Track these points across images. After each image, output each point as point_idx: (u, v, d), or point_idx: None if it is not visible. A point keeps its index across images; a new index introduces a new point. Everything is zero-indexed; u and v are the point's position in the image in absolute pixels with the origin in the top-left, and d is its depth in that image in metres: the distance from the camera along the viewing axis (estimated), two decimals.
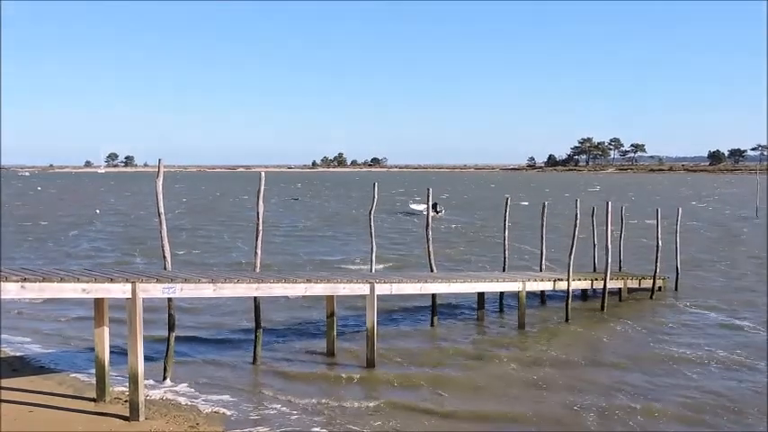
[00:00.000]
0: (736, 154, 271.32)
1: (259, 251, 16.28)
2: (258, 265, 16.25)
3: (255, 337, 15.53)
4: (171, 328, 14.36)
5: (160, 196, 14.73)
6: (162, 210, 14.77)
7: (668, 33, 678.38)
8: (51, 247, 36.60)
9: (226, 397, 13.14)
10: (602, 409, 12.87)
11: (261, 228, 16.34)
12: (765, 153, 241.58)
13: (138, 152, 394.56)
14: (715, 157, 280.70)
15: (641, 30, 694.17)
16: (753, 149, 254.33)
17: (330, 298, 16.31)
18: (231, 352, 16.47)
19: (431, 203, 21.05)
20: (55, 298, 13.07)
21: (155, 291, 12.37)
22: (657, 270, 24.16)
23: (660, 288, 24.41)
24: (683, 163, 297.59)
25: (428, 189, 21.47)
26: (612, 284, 22.46)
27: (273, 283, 14.84)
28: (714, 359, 16.30)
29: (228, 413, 12.37)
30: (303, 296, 16.21)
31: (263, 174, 16.60)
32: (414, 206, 61.37)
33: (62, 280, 11.36)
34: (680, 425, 12.15)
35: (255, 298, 15.31)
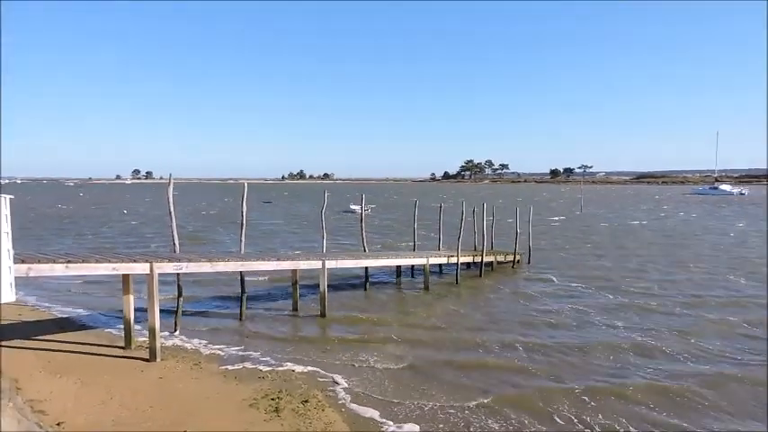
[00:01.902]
0: (568, 171, 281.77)
1: (243, 238, 15.96)
2: (242, 248, 15.91)
3: (241, 300, 15.24)
4: (179, 294, 14.02)
5: (171, 200, 14.28)
6: (172, 209, 14.32)
7: (519, 89, 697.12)
8: (90, 238, 34.87)
9: (220, 343, 12.86)
10: (484, 331, 13.33)
11: (245, 222, 16.02)
12: (586, 171, 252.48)
13: (155, 167, 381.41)
14: (554, 172, 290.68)
15: (501, 87, 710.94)
16: (578, 168, 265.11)
17: (294, 271, 16.14)
18: (224, 311, 16.09)
19: (364, 205, 20.99)
20: (92, 275, 12.45)
21: (167, 268, 12.01)
22: (516, 248, 24.85)
23: (519, 261, 25.03)
24: (534, 176, 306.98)
25: (362, 195, 21.45)
26: (487, 258, 22.92)
27: (254, 261, 14.63)
28: (551, 302, 17.00)
29: (222, 354, 12.12)
30: (275, 270, 15.94)
31: (245, 184, 16.31)
32: (353, 206, 61.84)
33: (97, 261, 10.90)
34: (525, 328, 12.61)
35: (241, 272, 15.05)
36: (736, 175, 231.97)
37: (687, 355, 12.29)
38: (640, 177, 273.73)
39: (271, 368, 11.16)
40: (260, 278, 20.41)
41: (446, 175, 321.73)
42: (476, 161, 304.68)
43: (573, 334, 13.98)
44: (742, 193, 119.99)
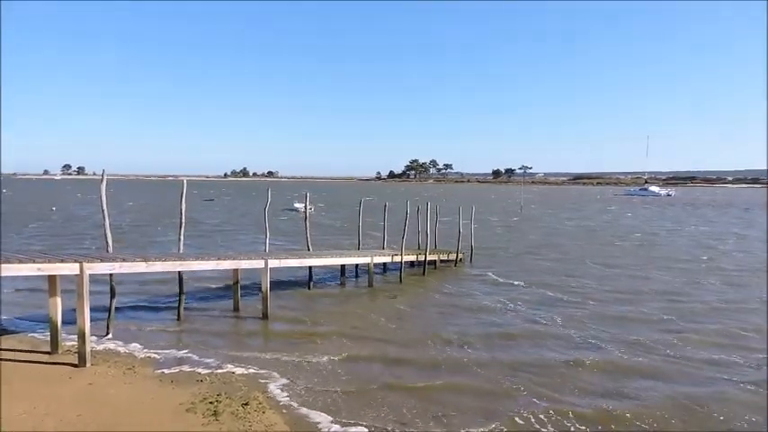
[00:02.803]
0: (509, 171, 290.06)
1: (182, 237, 15.43)
2: (181, 248, 15.39)
3: (179, 301, 14.77)
4: (112, 295, 13.38)
5: (104, 197, 13.59)
6: (105, 207, 13.62)
7: (463, 91, 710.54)
8: (14, 238, 32.72)
9: (156, 346, 12.39)
10: (426, 327, 13.51)
11: (183, 220, 15.50)
12: (526, 172, 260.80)
13: (88, 163, 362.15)
14: (496, 173, 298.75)
15: (446, 88, 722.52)
16: (519, 169, 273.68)
17: (235, 271, 15.78)
18: (161, 313, 15.50)
19: (308, 203, 20.80)
20: (14, 276, 11.68)
21: (99, 268, 11.45)
22: (459, 248, 25.33)
23: (461, 260, 25.51)
24: (477, 177, 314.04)
25: (306, 193, 21.23)
26: (430, 257, 23.23)
27: (193, 260, 14.17)
28: (488, 300, 17.45)
29: (158, 357, 11.68)
30: (215, 270, 15.50)
31: (185, 181, 15.76)
32: (297, 205, 60.96)
33: (20, 261, 10.26)
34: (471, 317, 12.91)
35: (179, 272, 14.55)
36: (663, 177, 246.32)
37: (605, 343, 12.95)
38: (577, 178, 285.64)
39: (210, 371, 10.87)
40: (199, 278, 19.81)
41: (391, 175, 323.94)
42: (421, 161, 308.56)
43: (513, 327, 14.41)
44: (669, 195, 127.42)
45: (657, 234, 41.77)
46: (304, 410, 9.13)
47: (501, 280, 21.59)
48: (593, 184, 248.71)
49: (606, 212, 69.87)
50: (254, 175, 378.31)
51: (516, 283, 20.98)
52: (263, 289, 15.23)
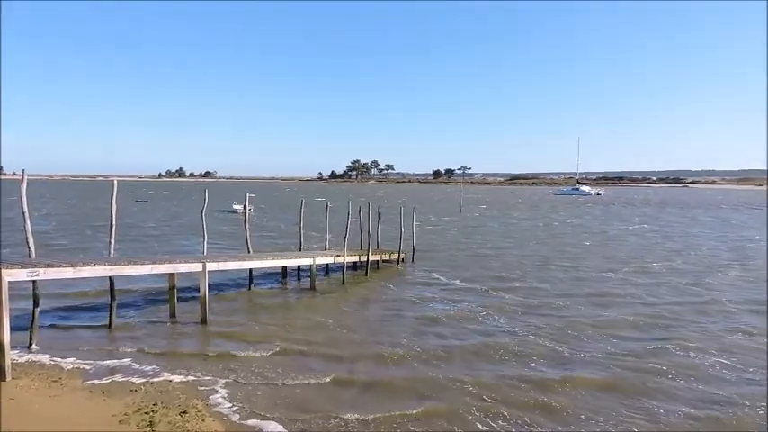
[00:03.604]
0: (449, 172, 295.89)
1: (113, 240, 14.71)
2: (112, 251, 14.67)
3: (110, 308, 14.06)
4: (35, 303, 12.48)
5: (24, 199, 12.70)
6: (26, 209, 12.74)
7: (404, 92, 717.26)
8: None
9: (85, 356, 11.75)
10: (369, 329, 13.55)
11: (114, 223, 14.77)
12: (465, 172, 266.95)
13: (6, 162, 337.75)
14: (436, 173, 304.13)
15: (386, 88, 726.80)
16: (459, 169, 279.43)
17: (172, 275, 15.21)
18: (91, 321, 14.69)
19: (247, 204, 20.37)
20: None
21: (20, 275, 10.75)
22: (401, 247, 25.55)
23: (403, 259, 25.74)
24: (418, 177, 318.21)
25: (245, 194, 20.79)
26: (373, 258, 23.31)
27: (125, 265, 13.52)
28: (433, 299, 17.76)
29: (87, 367, 11.08)
30: (150, 274, 14.85)
31: (115, 182, 15.05)
32: (236, 206, 59.44)
33: None
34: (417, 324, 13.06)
35: (110, 278, 13.86)
36: (594, 178, 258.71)
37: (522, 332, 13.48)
38: (514, 179, 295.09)
39: (145, 380, 10.42)
40: (133, 284, 18.93)
41: (333, 175, 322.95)
42: (362, 161, 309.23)
43: (447, 323, 14.71)
44: (599, 194, 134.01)
45: (604, 232, 43.82)
46: (245, 417, 8.94)
47: (443, 279, 21.96)
48: (529, 184, 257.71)
49: (542, 212, 72.54)
50: (191, 175, 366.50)
51: (457, 281, 21.39)
52: (202, 293, 14.77)
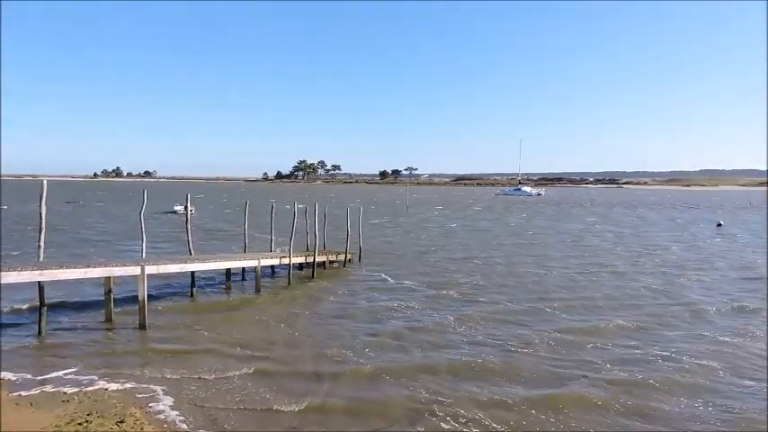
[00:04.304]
0: (396, 172, 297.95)
1: (42, 244, 13.95)
2: (41, 255, 13.91)
3: (40, 314, 13.32)
4: None
5: None
6: None
7: (351, 93, 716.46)
8: None
9: (11, 366, 11.07)
10: (315, 333, 13.47)
11: (44, 225, 14.01)
12: (412, 173, 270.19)
13: None
14: (383, 174, 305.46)
15: (333, 88, 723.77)
16: (405, 170, 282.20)
17: (107, 278, 14.59)
18: (18, 329, 13.85)
19: (189, 205, 19.80)
20: None
21: None
22: (347, 248, 25.52)
23: (350, 260, 25.71)
24: (365, 177, 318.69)
25: (187, 195, 20.19)
26: (319, 259, 23.17)
27: (56, 269, 12.89)
28: (376, 299, 17.89)
29: (14, 378, 10.49)
30: (84, 278, 14.16)
31: (45, 182, 14.26)
32: (177, 207, 57.38)
33: None
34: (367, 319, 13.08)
35: (39, 283, 13.12)
36: (536, 179, 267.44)
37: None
38: (459, 179, 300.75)
39: (78, 389, 9.95)
40: (65, 289, 17.96)
41: (279, 175, 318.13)
42: (309, 162, 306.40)
43: (400, 324, 14.86)
44: (539, 194, 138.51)
45: (539, 232, 45.26)
46: (186, 423, 8.72)
47: (390, 279, 22.10)
48: (473, 184, 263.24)
49: (488, 212, 74.25)
50: (129, 175, 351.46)
51: (405, 282, 21.58)
52: (140, 297, 14.24)
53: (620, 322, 15.54)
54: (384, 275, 22.89)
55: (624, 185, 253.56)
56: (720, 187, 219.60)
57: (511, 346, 13.23)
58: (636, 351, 12.94)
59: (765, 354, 12.80)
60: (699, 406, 9.87)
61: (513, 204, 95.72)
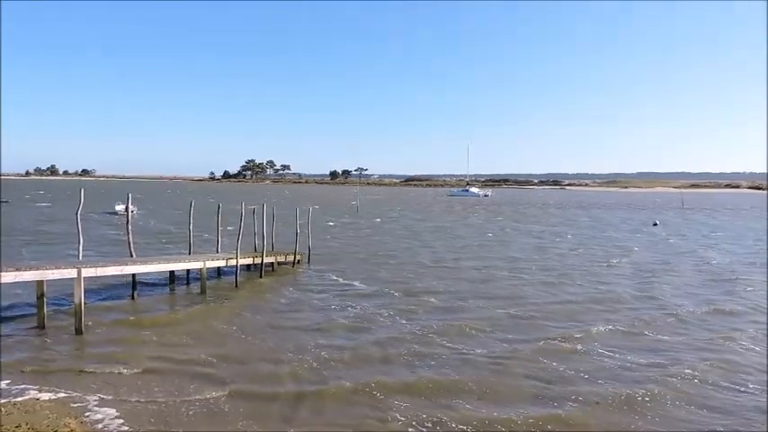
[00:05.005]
0: (346, 173, 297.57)
1: None
2: None
3: None
4: None
5: None
6: None
7: (298, 92, 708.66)
8: None
9: None
10: (261, 337, 13.27)
11: None
12: (362, 173, 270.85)
13: None
14: (333, 174, 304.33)
15: (280, 87, 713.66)
16: (355, 171, 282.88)
17: (40, 282, 13.84)
18: None
19: (130, 205, 19.07)
20: None
21: None
22: (297, 248, 25.26)
23: (299, 261, 25.46)
24: (315, 177, 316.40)
25: (128, 194, 19.45)
26: (268, 260, 22.84)
27: None
28: (326, 300, 17.83)
29: None
30: (14, 282, 13.34)
31: None
32: (118, 207, 55.00)
33: None
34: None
35: None
36: (483, 180, 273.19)
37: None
38: (409, 180, 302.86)
39: (6, 399, 9.39)
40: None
41: (226, 175, 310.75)
42: (257, 161, 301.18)
43: (337, 320, 14.85)
44: (486, 195, 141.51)
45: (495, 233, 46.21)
46: None
47: (340, 280, 22.04)
48: (423, 185, 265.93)
49: (433, 212, 75.24)
50: (65, 173, 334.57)
51: (354, 282, 21.55)
52: (77, 302, 13.59)
53: (604, 328, 15.03)
54: (333, 276, 22.80)
55: (567, 187, 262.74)
56: (656, 189, 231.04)
57: (464, 348, 13.45)
58: (628, 361, 12.31)
59: (766, 353, 13.05)
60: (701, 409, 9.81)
61: (467, 205, 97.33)
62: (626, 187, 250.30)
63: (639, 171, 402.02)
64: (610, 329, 14.94)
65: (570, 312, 16.99)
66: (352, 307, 17.30)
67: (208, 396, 9.93)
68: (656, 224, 55.34)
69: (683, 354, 12.95)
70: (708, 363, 12.19)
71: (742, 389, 10.74)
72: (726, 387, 10.81)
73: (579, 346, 13.24)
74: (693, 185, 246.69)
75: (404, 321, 15.58)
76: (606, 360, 12.33)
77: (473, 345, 13.35)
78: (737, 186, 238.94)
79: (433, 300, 18.47)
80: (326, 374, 11.21)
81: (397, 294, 19.23)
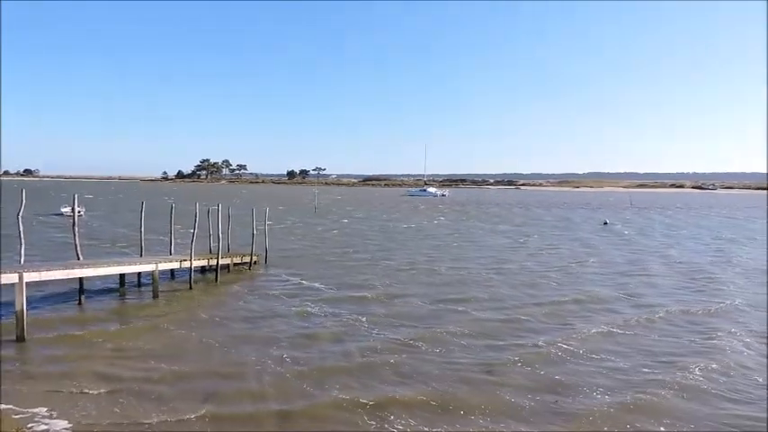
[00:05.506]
0: (304, 172, 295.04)
1: None
2: None
3: None
4: None
5: None
6: None
7: (256, 92, 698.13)
8: None
9: None
10: (214, 342, 13.05)
11: None
12: (320, 173, 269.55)
13: None
14: (291, 174, 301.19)
15: (237, 86, 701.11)
16: (313, 170, 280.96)
17: None
18: None
19: (77, 206, 18.32)
20: None
21: None
22: (253, 249, 24.83)
23: (256, 262, 25.04)
24: (272, 177, 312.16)
25: (74, 195, 18.69)
26: (223, 261, 22.36)
27: None
28: (283, 302, 17.63)
29: None
30: None
31: None
32: (64, 209, 52.62)
33: None
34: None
35: None
36: (440, 180, 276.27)
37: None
38: (367, 180, 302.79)
39: None
40: None
41: (180, 175, 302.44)
42: (213, 161, 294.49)
43: (300, 325, 14.74)
44: (443, 195, 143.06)
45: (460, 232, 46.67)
46: None
47: (299, 281, 21.80)
48: (381, 185, 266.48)
49: (393, 212, 75.48)
50: (6, 173, 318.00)
51: (313, 283, 21.36)
52: (18, 308, 12.99)
53: (595, 330, 15.03)
54: (291, 277, 22.54)
55: (522, 187, 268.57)
56: (605, 189, 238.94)
57: (424, 345, 13.55)
58: (621, 363, 12.39)
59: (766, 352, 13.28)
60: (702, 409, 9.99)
61: (430, 205, 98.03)
62: (578, 187, 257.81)
63: (590, 171, 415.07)
64: (601, 332, 14.85)
65: (556, 314, 16.80)
66: (305, 306, 17.18)
67: (147, 406, 9.65)
68: (606, 223, 57.17)
69: (679, 355, 12.95)
70: (705, 363, 12.28)
71: (742, 389, 10.99)
72: (726, 388, 11.01)
73: (574, 350, 13.20)
74: (641, 185, 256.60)
75: (363, 319, 15.62)
76: (605, 363, 12.30)
77: (446, 353, 12.92)
78: (681, 186, 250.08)
79: (400, 302, 18.46)
80: (291, 391, 10.53)
81: (357, 294, 19.19)
